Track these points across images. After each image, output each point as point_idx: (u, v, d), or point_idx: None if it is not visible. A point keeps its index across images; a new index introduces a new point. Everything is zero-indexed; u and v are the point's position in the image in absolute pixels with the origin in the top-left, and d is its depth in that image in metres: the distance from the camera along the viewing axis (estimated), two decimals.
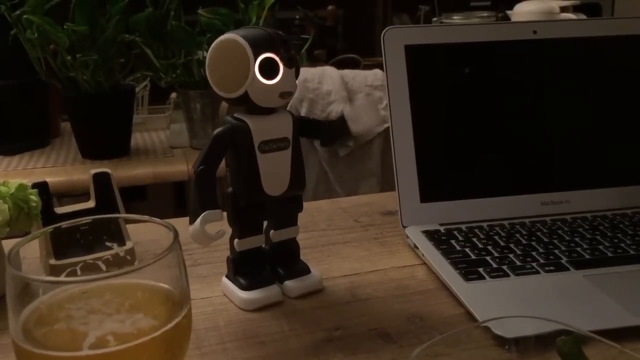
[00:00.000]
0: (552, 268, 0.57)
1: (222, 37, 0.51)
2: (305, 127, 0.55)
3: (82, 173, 1.30)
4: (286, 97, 0.52)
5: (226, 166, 0.53)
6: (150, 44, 1.37)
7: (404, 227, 0.67)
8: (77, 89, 1.38)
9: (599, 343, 0.37)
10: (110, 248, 0.43)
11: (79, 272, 0.39)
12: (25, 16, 1.26)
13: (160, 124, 1.76)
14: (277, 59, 0.50)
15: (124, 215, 0.58)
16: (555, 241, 0.62)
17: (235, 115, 0.53)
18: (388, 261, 0.63)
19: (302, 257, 0.59)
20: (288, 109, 0.60)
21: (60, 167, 1.39)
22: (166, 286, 0.37)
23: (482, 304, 0.52)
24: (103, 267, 0.40)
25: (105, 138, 1.45)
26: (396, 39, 0.69)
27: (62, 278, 0.38)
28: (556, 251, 0.60)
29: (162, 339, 0.34)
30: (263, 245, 0.56)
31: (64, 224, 0.41)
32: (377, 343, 0.49)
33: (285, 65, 0.50)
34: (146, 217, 0.39)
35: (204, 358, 0.47)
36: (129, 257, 0.42)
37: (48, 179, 0.61)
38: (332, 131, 0.59)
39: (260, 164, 0.52)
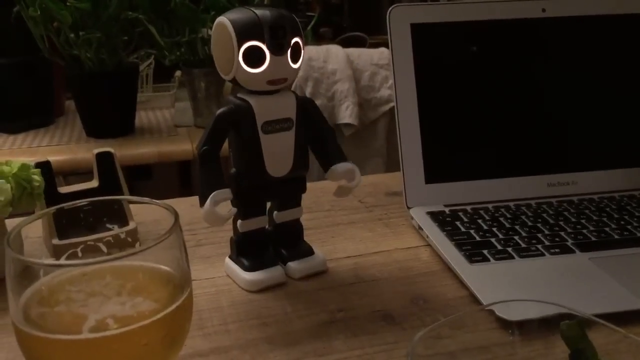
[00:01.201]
0: (557, 250, 0.57)
1: (217, 19, 0.50)
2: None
3: (87, 152, 1.30)
4: (278, 83, 0.50)
5: (229, 147, 0.53)
6: (154, 21, 1.35)
7: (409, 208, 0.66)
8: (80, 67, 1.37)
9: (603, 327, 0.37)
10: (112, 229, 0.43)
11: (79, 254, 0.39)
12: None
13: (164, 103, 1.75)
14: (262, 47, 0.48)
15: (124, 197, 0.58)
16: (561, 223, 0.62)
17: (238, 95, 0.52)
18: (392, 242, 0.63)
19: (305, 238, 0.58)
20: (293, 88, 0.59)
21: (64, 146, 1.38)
22: (167, 268, 0.37)
23: (486, 287, 0.52)
24: (104, 248, 0.40)
25: (110, 116, 1.44)
26: (402, 17, 0.68)
27: (61, 261, 0.38)
28: (562, 233, 0.60)
29: (162, 322, 0.34)
30: (266, 227, 0.56)
31: (66, 206, 0.41)
32: (380, 325, 0.49)
33: (272, 53, 0.49)
34: (146, 199, 0.39)
35: (206, 339, 0.47)
36: (129, 239, 0.41)
37: (52, 158, 0.61)
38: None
39: (264, 145, 0.51)
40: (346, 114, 1.44)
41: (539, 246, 0.58)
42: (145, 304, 0.34)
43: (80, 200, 0.41)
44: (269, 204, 0.56)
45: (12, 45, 1.43)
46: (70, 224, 0.44)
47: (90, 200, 0.41)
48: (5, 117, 1.47)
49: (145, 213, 0.50)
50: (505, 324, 0.41)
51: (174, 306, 0.35)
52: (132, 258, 0.34)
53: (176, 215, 0.36)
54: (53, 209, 0.40)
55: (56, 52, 1.37)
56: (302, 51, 0.51)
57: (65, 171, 1.35)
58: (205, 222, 0.50)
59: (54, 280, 0.35)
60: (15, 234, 0.35)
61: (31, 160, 0.58)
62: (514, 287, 0.52)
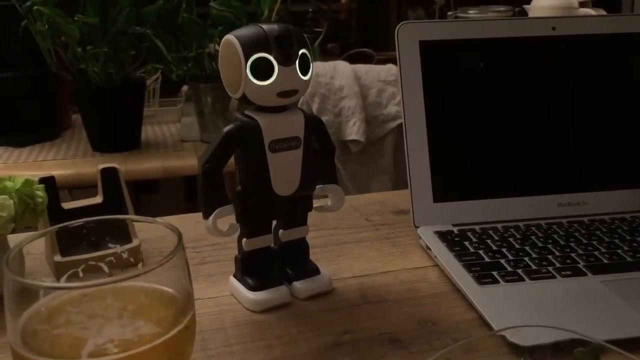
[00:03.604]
0: (568, 273, 0.56)
1: (224, 38, 0.49)
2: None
3: (93, 166, 1.29)
4: (288, 96, 0.49)
5: (235, 164, 0.52)
6: (161, 36, 1.35)
7: (416, 227, 0.65)
8: (87, 81, 1.37)
9: (618, 355, 0.35)
10: (114, 247, 0.42)
11: (80, 274, 0.38)
12: (35, 7, 1.25)
13: (171, 117, 1.75)
14: (270, 58, 0.48)
15: (127, 216, 0.57)
16: (572, 244, 0.61)
17: (245, 112, 0.51)
18: (399, 262, 0.62)
19: (311, 257, 0.57)
20: (300, 104, 0.58)
21: (70, 160, 1.38)
22: (170, 290, 0.36)
23: (495, 309, 0.51)
24: (105, 268, 0.39)
25: (116, 131, 1.44)
26: (410, 34, 0.67)
27: (61, 284, 0.37)
28: (573, 255, 0.59)
29: (163, 346, 0.33)
30: (272, 245, 0.55)
31: (69, 224, 0.40)
32: (387, 348, 0.48)
33: (280, 64, 0.48)
34: (149, 219, 0.38)
35: None
36: (131, 259, 0.41)
37: (58, 172, 0.61)
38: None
39: (271, 164, 0.50)
40: (353, 130, 1.43)
41: (550, 268, 0.56)
42: (146, 327, 0.33)
43: (83, 219, 0.40)
44: (274, 222, 0.55)
45: (20, 60, 1.43)
46: (73, 241, 0.43)
47: (93, 219, 0.40)
48: (11, 130, 1.47)
49: (150, 230, 0.50)
50: (517, 350, 0.40)
51: (176, 330, 0.34)
52: (134, 279, 0.33)
53: (179, 236, 0.35)
54: (55, 227, 0.40)
55: (63, 66, 1.37)
56: (311, 64, 0.51)
57: (71, 185, 1.35)
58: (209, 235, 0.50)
59: (54, 301, 0.34)
60: (14, 253, 0.34)
61: (36, 175, 0.58)
62: (524, 310, 0.51)
